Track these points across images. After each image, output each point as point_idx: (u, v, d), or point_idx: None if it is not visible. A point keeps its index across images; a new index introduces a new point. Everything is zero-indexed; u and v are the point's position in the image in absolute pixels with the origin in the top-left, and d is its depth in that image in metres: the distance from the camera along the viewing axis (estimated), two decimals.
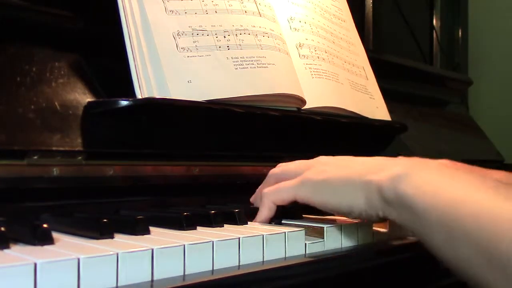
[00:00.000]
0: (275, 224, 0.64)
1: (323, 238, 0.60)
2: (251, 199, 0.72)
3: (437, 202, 0.50)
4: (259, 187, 0.70)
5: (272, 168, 0.70)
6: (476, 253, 0.46)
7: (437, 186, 0.51)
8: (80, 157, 0.66)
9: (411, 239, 0.67)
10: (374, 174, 0.57)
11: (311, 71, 0.92)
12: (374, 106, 1.05)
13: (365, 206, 0.58)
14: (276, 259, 0.54)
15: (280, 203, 0.65)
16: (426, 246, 0.52)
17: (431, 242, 0.51)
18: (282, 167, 0.68)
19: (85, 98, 0.70)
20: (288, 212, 0.68)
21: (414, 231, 0.54)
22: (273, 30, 0.85)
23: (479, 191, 0.49)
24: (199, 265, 0.48)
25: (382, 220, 0.59)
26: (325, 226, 0.61)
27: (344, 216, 0.63)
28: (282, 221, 0.66)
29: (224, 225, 0.60)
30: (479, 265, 0.46)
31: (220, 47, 0.77)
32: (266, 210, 0.65)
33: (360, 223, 0.65)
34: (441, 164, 0.57)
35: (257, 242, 0.53)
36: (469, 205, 0.48)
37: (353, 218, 0.62)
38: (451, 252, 0.49)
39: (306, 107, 0.87)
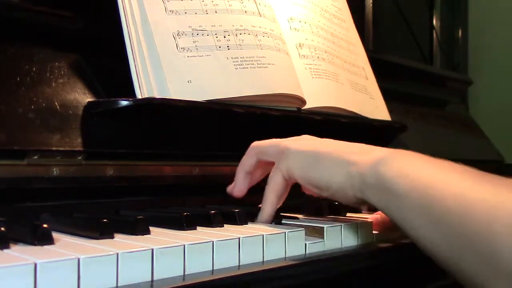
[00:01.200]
0: (275, 224, 0.64)
1: (323, 238, 0.60)
2: (233, 187, 0.70)
3: (417, 184, 0.51)
4: (239, 165, 0.70)
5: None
6: (456, 234, 0.46)
7: (418, 169, 0.52)
8: (80, 157, 0.66)
9: (405, 241, 0.67)
10: (357, 155, 0.58)
11: (311, 71, 0.92)
12: (374, 106, 1.05)
13: (343, 185, 0.58)
14: (276, 259, 0.54)
15: (279, 191, 0.65)
16: (404, 231, 0.53)
17: (410, 225, 0.51)
18: (265, 141, 0.68)
19: (85, 98, 0.70)
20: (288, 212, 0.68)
21: (392, 214, 0.54)
22: (273, 30, 0.85)
23: (458, 174, 0.50)
24: (199, 265, 0.48)
25: (358, 202, 0.59)
26: (325, 226, 0.61)
27: (321, 192, 0.62)
28: (282, 221, 0.66)
29: (224, 225, 0.60)
30: (458, 246, 0.46)
31: (220, 47, 0.77)
32: (268, 205, 0.65)
33: (361, 223, 0.65)
34: (422, 154, 0.57)
35: (257, 242, 0.53)
36: (448, 186, 0.48)
37: (330, 195, 0.61)
38: (430, 233, 0.49)
39: (306, 107, 0.87)
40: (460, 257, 0.46)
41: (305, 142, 0.64)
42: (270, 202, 0.65)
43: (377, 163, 0.55)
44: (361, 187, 0.56)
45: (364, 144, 0.62)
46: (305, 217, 0.70)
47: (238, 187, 0.69)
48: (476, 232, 0.45)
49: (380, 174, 0.54)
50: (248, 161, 0.68)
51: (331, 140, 0.65)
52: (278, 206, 0.67)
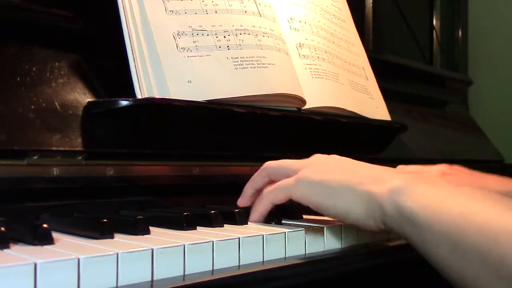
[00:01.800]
0: (275, 224, 0.64)
1: (323, 238, 0.60)
2: (240, 201, 0.70)
3: (439, 216, 0.50)
4: (249, 181, 0.69)
5: None
6: (482, 265, 0.46)
7: (439, 199, 0.51)
8: (80, 157, 0.66)
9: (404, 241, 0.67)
10: (374, 185, 0.56)
11: (311, 71, 0.92)
12: (374, 106, 1.05)
13: (364, 215, 0.57)
14: (276, 259, 0.54)
15: (277, 202, 0.64)
16: (430, 261, 0.52)
17: (436, 256, 0.50)
18: (279, 162, 0.67)
19: (85, 98, 0.70)
20: (288, 212, 0.68)
21: (417, 244, 0.53)
22: (273, 30, 0.85)
23: (480, 203, 0.49)
24: (199, 265, 0.48)
25: (383, 232, 0.58)
26: (325, 226, 0.61)
27: (337, 220, 0.62)
28: (282, 221, 0.66)
29: (224, 225, 0.60)
30: (486, 277, 0.46)
31: (220, 47, 0.77)
32: (262, 207, 0.65)
33: None
34: (439, 176, 0.56)
35: (257, 242, 0.53)
36: (473, 217, 0.48)
37: (347, 223, 0.61)
38: (456, 265, 0.48)
39: (306, 107, 0.87)
40: (487, 286, 0.46)
41: (319, 169, 0.62)
42: (264, 205, 0.65)
43: (395, 193, 0.54)
44: (382, 218, 0.55)
45: (376, 167, 0.61)
46: (305, 217, 0.70)
47: (244, 203, 0.68)
48: (505, 265, 0.44)
49: (400, 205, 0.53)
50: (259, 180, 0.67)
51: (344, 160, 0.63)
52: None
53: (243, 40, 0.80)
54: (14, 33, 0.69)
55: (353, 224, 0.60)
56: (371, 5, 1.44)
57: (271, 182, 0.66)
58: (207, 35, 0.77)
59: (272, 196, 0.64)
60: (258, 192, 0.67)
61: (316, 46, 0.96)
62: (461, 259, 0.47)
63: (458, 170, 0.86)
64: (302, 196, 0.61)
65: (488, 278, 0.45)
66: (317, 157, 0.65)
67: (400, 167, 0.86)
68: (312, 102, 0.88)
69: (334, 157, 0.65)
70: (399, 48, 1.61)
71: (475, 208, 0.49)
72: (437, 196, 0.52)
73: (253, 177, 0.68)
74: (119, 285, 0.42)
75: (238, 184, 0.70)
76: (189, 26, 0.76)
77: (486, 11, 1.99)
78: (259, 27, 0.83)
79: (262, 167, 0.68)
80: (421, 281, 0.70)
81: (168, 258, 0.46)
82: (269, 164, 0.67)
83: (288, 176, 0.63)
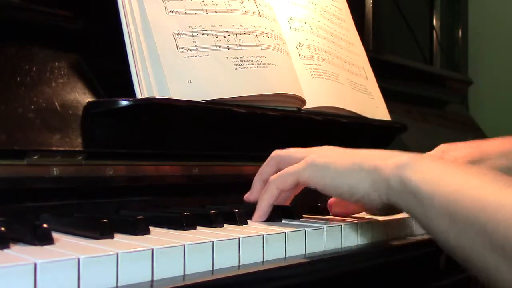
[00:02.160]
0: (275, 223, 0.64)
1: (323, 238, 0.60)
2: (249, 196, 0.70)
3: (440, 189, 0.52)
4: (257, 174, 0.70)
5: None
6: (478, 237, 0.48)
7: (441, 174, 0.54)
8: (80, 157, 0.66)
9: (411, 239, 0.67)
10: (381, 161, 0.59)
11: (311, 71, 0.92)
12: (374, 106, 1.05)
13: (369, 189, 0.59)
14: (276, 259, 0.54)
15: (283, 187, 0.65)
16: (429, 232, 0.54)
17: (435, 228, 0.53)
18: (286, 150, 0.69)
19: (85, 98, 0.70)
20: (288, 212, 0.68)
21: (417, 217, 0.55)
22: (273, 30, 0.85)
23: (478, 179, 0.52)
24: (199, 265, 0.48)
25: (386, 207, 0.59)
26: (325, 226, 0.61)
27: (344, 199, 0.64)
28: (282, 221, 0.66)
29: (224, 225, 0.60)
30: (480, 248, 0.48)
31: (220, 47, 0.77)
32: (268, 195, 0.65)
33: (361, 223, 0.65)
34: (440, 154, 0.57)
35: (257, 242, 0.53)
36: (471, 191, 0.50)
37: (354, 201, 0.62)
38: (453, 236, 0.51)
39: (306, 107, 0.87)
40: (483, 259, 0.48)
41: (327, 153, 0.64)
42: (271, 194, 0.65)
43: (400, 167, 0.56)
44: (387, 191, 0.57)
45: (384, 150, 0.63)
46: (305, 217, 0.70)
47: (254, 197, 0.69)
48: (498, 236, 0.46)
49: (404, 178, 0.55)
50: (267, 170, 0.68)
51: (353, 149, 0.65)
52: (285, 203, 0.68)
53: (243, 40, 0.80)
54: (14, 33, 0.69)
55: (358, 201, 0.61)
56: (371, 5, 1.44)
57: (279, 171, 0.67)
58: (207, 35, 0.77)
59: (279, 181, 0.65)
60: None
61: (316, 46, 0.96)
62: (459, 231, 0.50)
63: (457, 145, 0.87)
64: (309, 178, 0.63)
65: (483, 248, 0.48)
66: (324, 146, 0.67)
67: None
68: (312, 102, 0.88)
69: (339, 148, 0.67)
70: (399, 48, 1.61)
71: (473, 184, 0.51)
72: (440, 172, 0.54)
73: (260, 169, 0.69)
74: (119, 285, 0.42)
75: (238, 184, 0.70)
76: (189, 26, 0.76)
77: (486, 11, 1.99)
78: (259, 27, 0.83)
79: (270, 157, 0.69)
80: (419, 281, 0.70)
81: (168, 258, 0.46)
82: (277, 152, 0.69)
83: (295, 163, 0.65)
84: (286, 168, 0.66)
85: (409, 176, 0.55)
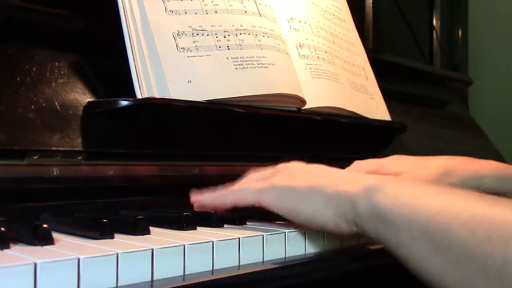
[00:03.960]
0: (275, 223, 0.64)
1: (323, 238, 0.60)
2: (197, 199, 0.65)
3: (417, 212, 0.47)
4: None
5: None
6: (467, 262, 0.44)
7: (418, 196, 0.49)
8: (80, 157, 0.66)
9: None
10: (347, 185, 0.54)
11: (311, 71, 0.92)
12: (374, 106, 1.05)
13: (333, 217, 0.54)
14: (276, 259, 0.54)
15: (241, 204, 0.61)
16: (405, 263, 0.49)
17: (412, 256, 0.48)
18: (249, 174, 0.64)
19: (85, 98, 0.70)
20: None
21: (389, 245, 0.50)
22: (273, 30, 0.85)
23: (463, 200, 0.47)
24: (199, 265, 0.48)
25: (354, 234, 0.55)
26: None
27: (308, 226, 0.58)
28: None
29: (224, 225, 0.60)
30: (470, 274, 0.44)
31: (220, 47, 0.77)
32: (220, 202, 0.62)
33: None
34: (416, 180, 0.55)
35: (257, 242, 0.53)
36: (456, 213, 0.45)
37: (318, 229, 0.58)
38: (434, 265, 0.46)
39: (306, 107, 0.87)
40: (473, 285, 0.44)
41: (290, 174, 0.60)
42: (223, 202, 0.62)
43: (370, 191, 0.52)
44: (354, 219, 0.53)
45: (352, 172, 0.59)
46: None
47: (210, 205, 0.64)
48: (493, 261, 0.42)
49: (375, 204, 0.50)
50: (246, 196, 0.62)
51: (317, 167, 0.61)
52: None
53: (243, 40, 0.80)
54: (14, 33, 0.69)
55: (324, 229, 0.57)
56: (371, 5, 1.44)
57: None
58: (207, 35, 0.77)
59: (239, 197, 0.61)
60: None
61: (316, 46, 0.96)
62: (445, 257, 0.45)
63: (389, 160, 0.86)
64: (272, 203, 0.58)
65: (473, 274, 0.43)
66: (290, 164, 0.63)
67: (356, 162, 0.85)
68: (312, 102, 0.88)
69: (305, 165, 0.63)
70: (399, 48, 1.61)
71: (458, 204, 0.46)
72: (415, 194, 0.50)
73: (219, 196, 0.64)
74: (119, 285, 0.42)
75: None
76: (189, 26, 0.76)
77: (486, 11, 1.99)
78: (259, 27, 0.83)
79: (227, 191, 0.63)
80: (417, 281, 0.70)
81: (168, 258, 0.46)
82: (240, 181, 0.64)
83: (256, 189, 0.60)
84: (248, 185, 0.61)
85: (379, 199, 0.50)
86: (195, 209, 0.65)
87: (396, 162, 0.84)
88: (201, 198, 0.64)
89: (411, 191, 0.50)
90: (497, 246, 0.42)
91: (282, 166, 0.62)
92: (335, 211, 0.54)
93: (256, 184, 0.61)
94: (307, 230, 0.59)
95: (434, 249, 0.46)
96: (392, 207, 0.49)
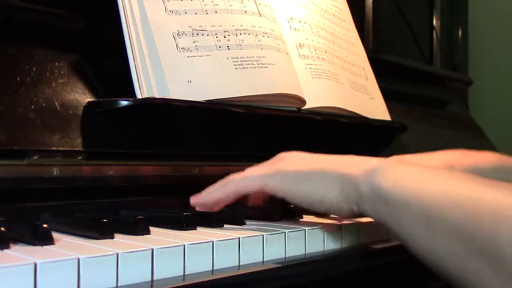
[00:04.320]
0: (275, 223, 0.64)
1: (323, 238, 0.60)
2: (195, 201, 0.66)
3: (416, 194, 0.49)
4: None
5: None
6: (458, 242, 0.45)
7: (415, 179, 0.51)
8: (80, 157, 0.66)
9: None
10: (349, 168, 0.56)
11: (311, 71, 0.92)
12: (374, 106, 1.05)
13: (337, 198, 0.56)
14: (276, 259, 0.54)
15: (244, 191, 0.62)
16: (402, 242, 0.51)
17: (408, 235, 0.50)
18: (249, 169, 0.65)
19: (85, 98, 0.70)
20: (288, 212, 0.68)
21: (390, 225, 0.52)
22: (273, 30, 0.85)
23: (460, 182, 0.49)
24: (199, 265, 0.48)
25: (355, 215, 0.57)
26: (325, 226, 0.61)
27: (312, 209, 0.60)
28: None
29: (224, 225, 0.60)
30: (461, 253, 0.45)
31: (220, 47, 0.77)
32: (221, 193, 0.62)
33: (360, 223, 0.65)
34: (417, 163, 0.56)
35: (257, 242, 0.53)
36: (452, 195, 0.47)
37: (323, 211, 0.60)
38: (429, 243, 0.48)
39: (306, 107, 0.87)
40: (463, 264, 0.45)
41: (295, 161, 0.61)
42: (226, 193, 0.62)
43: (371, 174, 0.54)
44: (356, 199, 0.55)
45: (354, 156, 0.60)
46: (306, 217, 0.70)
47: (212, 201, 0.65)
48: (481, 238, 0.44)
49: (375, 185, 0.52)
50: (247, 183, 0.62)
51: (320, 155, 0.62)
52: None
53: (243, 40, 0.80)
54: (14, 33, 0.69)
55: (328, 211, 0.59)
56: (371, 5, 1.44)
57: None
58: (207, 35, 0.77)
59: (242, 184, 0.62)
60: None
61: (316, 46, 0.96)
62: (439, 237, 0.47)
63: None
64: (275, 186, 0.60)
65: (464, 253, 0.45)
66: (292, 152, 0.64)
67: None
68: (312, 102, 0.88)
69: (303, 153, 0.64)
70: (399, 48, 1.61)
71: (452, 185, 0.48)
72: (414, 176, 0.51)
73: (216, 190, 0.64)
74: (119, 285, 0.42)
75: None
76: (189, 26, 0.76)
77: (486, 11, 1.99)
78: (259, 27, 0.83)
79: (224, 181, 0.64)
80: (418, 281, 0.70)
81: (168, 258, 0.46)
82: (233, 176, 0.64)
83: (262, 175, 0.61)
84: (252, 170, 0.62)
85: (379, 182, 0.52)
86: (197, 209, 0.66)
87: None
88: (200, 196, 0.64)
89: (411, 174, 0.52)
90: (486, 225, 0.43)
91: (285, 154, 0.64)
92: (338, 192, 0.56)
93: (259, 171, 0.62)
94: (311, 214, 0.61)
95: (430, 230, 0.48)
96: (392, 190, 0.51)
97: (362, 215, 0.57)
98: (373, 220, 0.66)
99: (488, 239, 0.43)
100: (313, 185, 0.58)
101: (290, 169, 0.60)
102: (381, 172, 0.53)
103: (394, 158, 0.57)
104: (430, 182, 0.50)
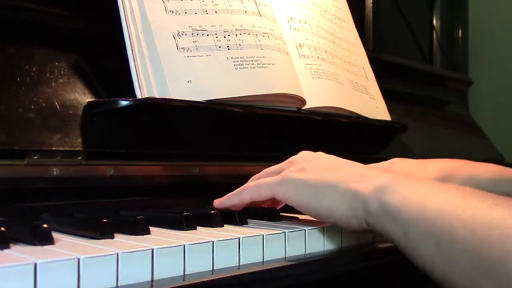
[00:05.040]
0: (275, 223, 0.64)
1: (323, 238, 0.60)
2: (217, 204, 0.68)
3: (424, 212, 0.49)
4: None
5: None
6: (467, 261, 0.45)
7: (424, 196, 0.51)
8: (80, 157, 0.66)
9: None
10: (359, 184, 0.56)
11: (311, 71, 0.92)
12: (374, 106, 1.05)
13: (346, 213, 0.56)
14: (276, 259, 0.54)
15: (257, 198, 0.64)
16: (413, 260, 0.51)
17: (419, 253, 0.50)
18: (266, 169, 0.67)
19: (85, 98, 0.70)
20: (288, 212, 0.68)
21: (399, 243, 0.52)
22: (273, 30, 0.85)
23: (467, 199, 0.49)
24: (199, 265, 0.48)
25: (364, 231, 0.57)
26: (325, 226, 0.61)
27: (321, 220, 0.61)
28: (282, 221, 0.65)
29: (224, 225, 0.60)
30: (469, 273, 0.45)
31: (220, 47, 0.77)
32: (237, 199, 0.65)
33: None
34: (426, 178, 0.56)
35: (257, 242, 0.53)
36: (459, 213, 0.47)
37: (331, 223, 0.60)
38: (439, 261, 0.48)
39: (306, 107, 0.87)
40: (472, 283, 0.45)
41: (302, 167, 0.62)
42: (241, 199, 0.65)
43: (380, 191, 0.54)
44: (365, 216, 0.55)
45: (362, 166, 0.60)
46: (304, 218, 0.70)
47: (229, 205, 0.67)
48: (492, 259, 0.44)
49: (385, 202, 0.53)
50: (261, 191, 0.64)
51: (329, 159, 0.63)
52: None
53: (243, 40, 0.80)
54: (14, 33, 0.69)
55: (336, 224, 0.59)
56: (371, 5, 1.44)
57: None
58: (207, 35, 0.77)
59: (254, 192, 0.64)
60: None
61: (316, 46, 0.96)
62: (447, 256, 0.47)
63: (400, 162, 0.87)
64: (286, 195, 0.61)
65: (474, 273, 0.45)
66: (301, 154, 0.65)
67: (386, 163, 0.86)
68: (312, 102, 0.88)
69: (319, 155, 0.65)
70: (399, 48, 1.61)
71: (461, 204, 0.48)
72: (423, 193, 0.52)
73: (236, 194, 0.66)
74: (119, 285, 0.42)
75: (238, 184, 0.69)
76: (189, 26, 0.76)
77: (486, 11, 1.99)
78: (259, 27, 0.82)
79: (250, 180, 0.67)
80: (419, 281, 0.70)
81: (168, 258, 0.46)
82: (255, 176, 0.67)
83: (273, 181, 0.63)
84: (263, 179, 0.64)
85: (389, 199, 0.52)
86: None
87: (397, 165, 0.85)
88: (220, 202, 0.67)
89: (419, 191, 0.52)
90: (495, 245, 0.43)
91: (295, 158, 0.65)
92: (347, 207, 0.56)
93: (271, 178, 0.63)
94: (319, 225, 0.61)
95: (437, 247, 0.48)
96: (400, 207, 0.51)
97: (370, 231, 0.56)
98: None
99: (498, 260, 0.43)
100: (322, 198, 0.58)
101: (301, 179, 0.60)
102: (390, 189, 0.53)
103: (403, 174, 0.57)
104: (438, 199, 0.50)
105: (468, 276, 0.45)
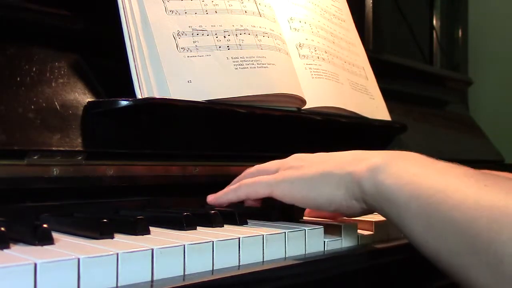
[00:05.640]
0: (274, 223, 0.64)
1: (323, 238, 0.60)
2: (212, 199, 0.68)
3: (416, 192, 0.50)
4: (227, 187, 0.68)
5: None
6: (458, 242, 0.46)
7: (416, 176, 0.51)
8: (80, 157, 0.66)
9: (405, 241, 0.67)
10: (353, 166, 0.57)
11: (311, 71, 0.92)
12: (374, 106, 1.05)
13: (345, 196, 0.57)
14: (276, 259, 0.54)
15: (254, 196, 0.64)
16: (406, 236, 0.53)
17: (411, 232, 0.51)
18: (257, 166, 0.68)
19: (85, 98, 0.70)
20: (287, 214, 0.68)
21: (394, 221, 0.53)
22: (273, 30, 0.85)
23: (458, 180, 0.49)
24: (199, 265, 0.48)
25: (366, 212, 0.59)
26: (324, 226, 0.61)
27: (323, 210, 0.62)
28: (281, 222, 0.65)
29: (224, 225, 0.60)
30: (459, 252, 0.46)
31: (220, 47, 0.77)
32: (233, 196, 0.65)
33: (360, 224, 0.65)
34: (420, 156, 0.57)
35: (257, 242, 0.53)
36: (450, 193, 0.48)
37: (333, 211, 0.61)
38: (431, 241, 0.49)
39: (306, 107, 0.87)
40: (463, 263, 0.46)
41: (299, 165, 0.62)
42: (237, 196, 0.65)
43: (374, 171, 0.54)
44: (362, 196, 0.56)
45: (357, 151, 0.61)
46: (305, 218, 0.70)
47: (225, 201, 0.68)
48: (480, 240, 0.44)
49: (379, 182, 0.53)
50: (258, 189, 0.64)
51: (323, 154, 0.64)
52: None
53: (243, 40, 0.80)
54: (14, 33, 0.69)
55: (339, 210, 0.60)
56: (371, 5, 1.44)
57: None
58: (207, 35, 0.77)
59: (251, 190, 0.64)
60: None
61: (316, 46, 0.96)
62: (437, 235, 0.48)
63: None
64: (284, 194, 0.61)
65: (463, 252, 0.46)
66: (296, 155, 0.66)
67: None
68: (312, 102, 0.88)
69: (313, 154, 0.65)
70: (399, 48, 1.61)
71: (454, 185, 0.48)
72: (415, 172, 0.52)
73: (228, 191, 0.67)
74: (119, 285, 0.42)
75: None
76: (189, 26, 0.76)
77: (486, 11, 1.99)
78: (259, 27, 0.83)
79: (241, 174, 0.68)
80: (419, 281, 0.70)
81: (168, 258, 0.46)
82: (248, 170, 0.68)
83: (268, 181, 0.63)
84: (260, 177, 0.64)
85: (382, 180, 0.53)
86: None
87: None
88: (215, 197, 0.67)
89: (412, 171, 0.52)
90: (484, 228, 0.44)
91: (289, 159, 0.65)
92: (345, 191, 0.57)
93: (268, 177, 0.63)
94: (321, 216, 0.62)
95: (429, 227, 0.49)
96: (394, 187, 0.52)
97: (372, 211, 0.58)
98: (372, 220, 0.67)
99: (486, 242, 0.44)
100: (319, 189, 0.59)
101: (295, 175, 0.61)
102: (383, 169, 0.54)
103: (397, 153, 0.57)
104: (430, 179, 0.51)
105: (458, 256, 0.46)
